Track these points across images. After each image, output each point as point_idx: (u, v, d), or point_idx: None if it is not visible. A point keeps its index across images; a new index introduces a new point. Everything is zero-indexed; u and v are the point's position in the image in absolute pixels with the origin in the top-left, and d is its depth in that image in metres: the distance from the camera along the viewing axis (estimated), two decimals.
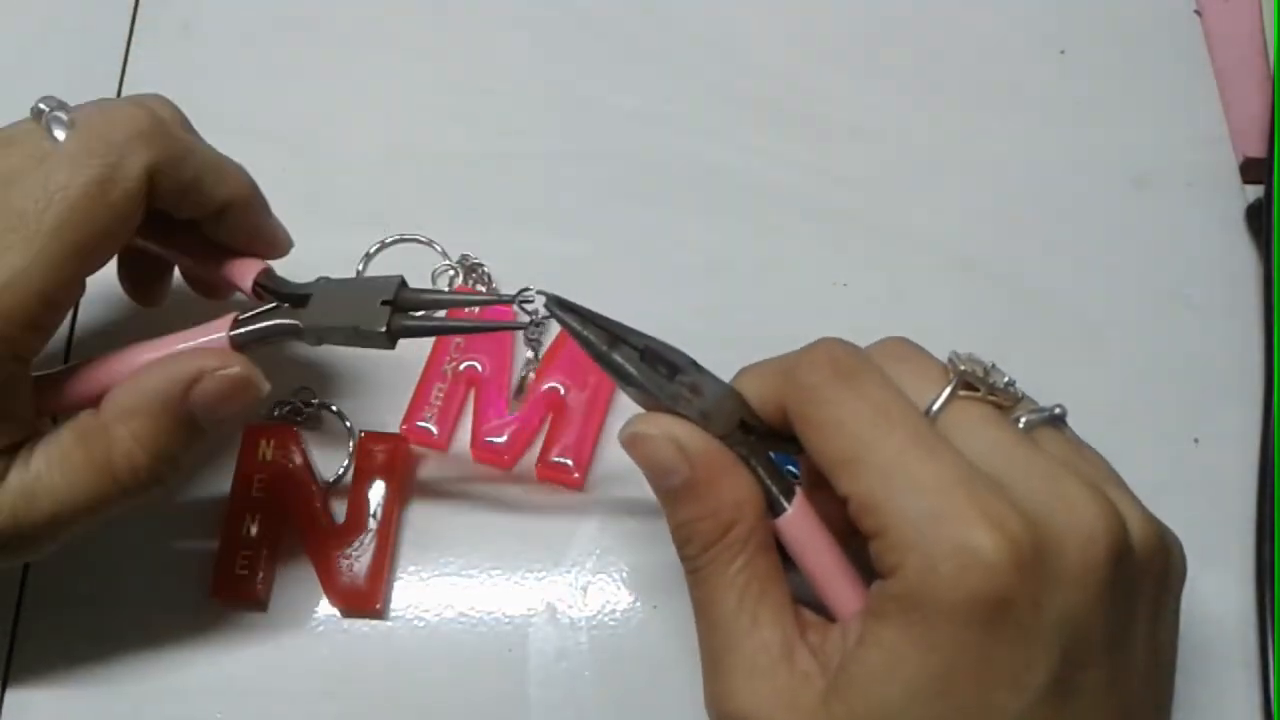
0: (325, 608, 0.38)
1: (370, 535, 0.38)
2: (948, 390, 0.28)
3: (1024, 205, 0.46)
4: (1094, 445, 0.31)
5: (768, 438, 0.30)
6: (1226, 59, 0.49)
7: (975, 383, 0.28)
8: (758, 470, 0.30)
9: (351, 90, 0.48)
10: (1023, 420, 0.29)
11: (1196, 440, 0.42)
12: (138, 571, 0.39)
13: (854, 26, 0.50)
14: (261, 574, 0.38)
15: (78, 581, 0.38)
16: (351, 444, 0.40)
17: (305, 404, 0.41)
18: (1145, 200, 0.46)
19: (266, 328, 0.34)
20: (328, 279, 0.35)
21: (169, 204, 0.33)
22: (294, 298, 0.35)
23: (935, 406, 0.28)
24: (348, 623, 0.38)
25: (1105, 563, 0.26)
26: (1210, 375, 0.43)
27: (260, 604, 0.38)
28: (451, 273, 0.43)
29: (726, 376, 0.32)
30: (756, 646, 0.28)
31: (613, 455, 0.41)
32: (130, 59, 0.48)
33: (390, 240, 0.44)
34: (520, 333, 0.42)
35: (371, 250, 0.44)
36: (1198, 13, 0.50)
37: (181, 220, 0.34)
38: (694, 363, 0.31)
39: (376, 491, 0.39)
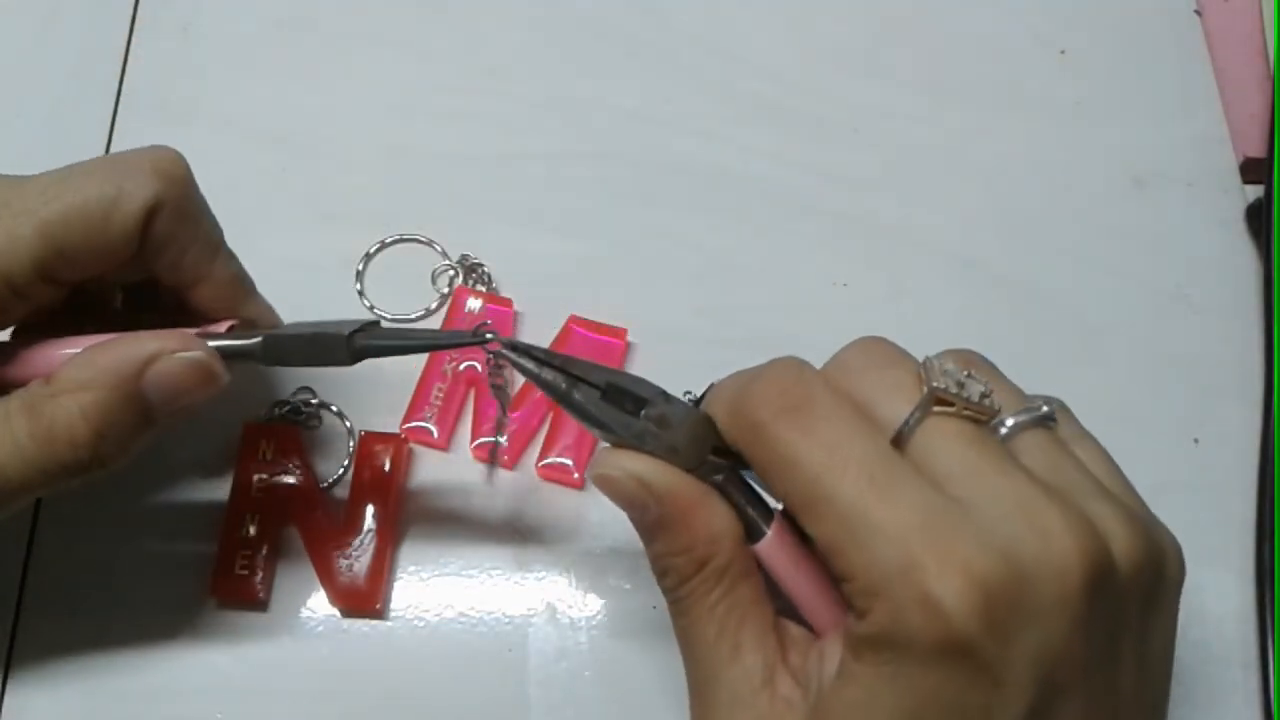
0: (325, 608, 0.38)
1: (370, 535, 0.38)
2: (918, 410, 0.27)
3: (1024, 205, 0.46)
4: None
5: (743, 461, 0.29)
6: (1226, 59, 0.49)
7: (949, 397, 0.27)
8: (734, 497, 0.29)
9: (351, 90, 0.48)
10: (1007, 425, 0.28)
11: (1196, 440, 0.42)
12: (138, 571, 0.39)
13: (854, 26, 0.50)
14: (261, 574, 0.38)
15: (78, 581, 0.38)
16: (351, 444, 0.40)
17: (305, 404, 0.41)
18: (1145, 200, 0.46)
19: (225, 346, 0.32)
20: (299, 323, 0.34)
21: (154, 256, 0.33)
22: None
23: (906, 426, 0.27)
24: (348, 623, 0.38)
25: (1080, 592, 0.25)
26: (1210, 375, 0.43)
27: (260, 604, 0.38)
28: (451, 273, 0.43)
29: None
30: (737, 675, 0.28)
31: None
32: (130, 59, 0.48)
33: (390, 240, 0.44)
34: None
35: (371, 250, 0.44)
36: (1198, 13, 0.50)
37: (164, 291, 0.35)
38: (662, 393, 0.30)
39: (376, 491, 0.39)
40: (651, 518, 0.29)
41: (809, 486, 0.26)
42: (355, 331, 0.32)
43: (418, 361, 0.41)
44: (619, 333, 0.42)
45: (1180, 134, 0.48)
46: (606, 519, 0.40)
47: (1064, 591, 0.25)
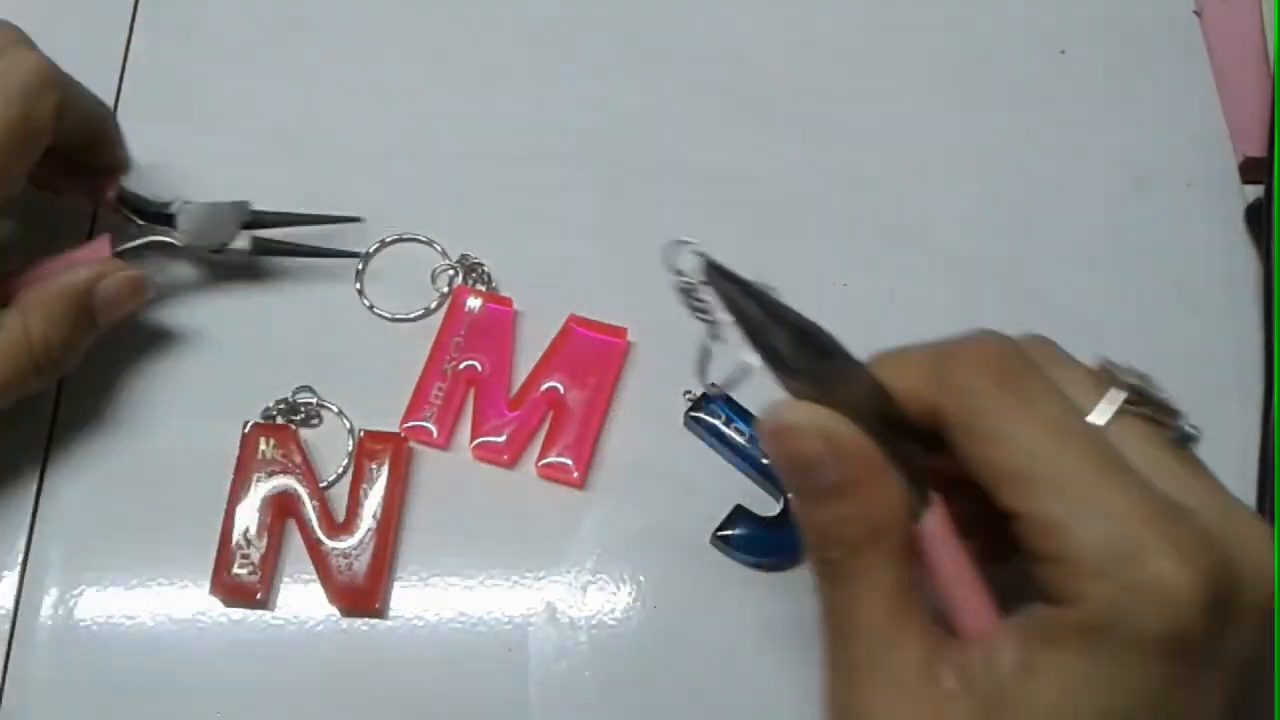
0: (325, 608, 0.38)
1: (370, 535, 0.38)
2: (1116, 404, 0.26)
3: (1024, 205, 0.46)
4: None
5: (906, 435, 0.27)
6: (1226, 59, 0.49)
7: (1139, 396, 0.27)
8: (901, 471, 0.27)
9: (352, 90, 0.48)
10: (1181, 433, 0.27)
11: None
12: (137, 570, 0.39)
13: (854, 26, 0.50)
14: (261, 573, 0.38)
15: (77, 580, 0.38)
16: (351, 444, 0.40)
17: (305, 403, 0.41)
18: (1145, 200, 0.46)
19: (143, 244, 0.41)
20: (185, 201, 0.42)
21: (61, 139, 0.38)
22: (156, 215, 0.42)
23: (1103, 420, 0.26)
24: (348, 623, 0.38)
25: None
26: (1210, 375, 0.43)
27: (260, 603, 0.38)
28: (451, 273, 0.43)
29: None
30: (900, 662, 0.26)
31: (613, 455, 0.41)
32: (130, 59, 0.48)
33: (390, 240, 0.44)
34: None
35: (371, 250, 0.44)
36: (1197, 13, 0.50)
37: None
38: (842, 347, 0.28)
39: (376, 491, 0.39)
40: (826, 479, 0.27)
41: (1027, 457, 0.25)
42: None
43: (418, 360, 0.41)
44: (619, 332, 0.42)
45: (1180, 134, 0.48)
46: (607, 519, 0.40)
47: (1266, 596, 0.24)
